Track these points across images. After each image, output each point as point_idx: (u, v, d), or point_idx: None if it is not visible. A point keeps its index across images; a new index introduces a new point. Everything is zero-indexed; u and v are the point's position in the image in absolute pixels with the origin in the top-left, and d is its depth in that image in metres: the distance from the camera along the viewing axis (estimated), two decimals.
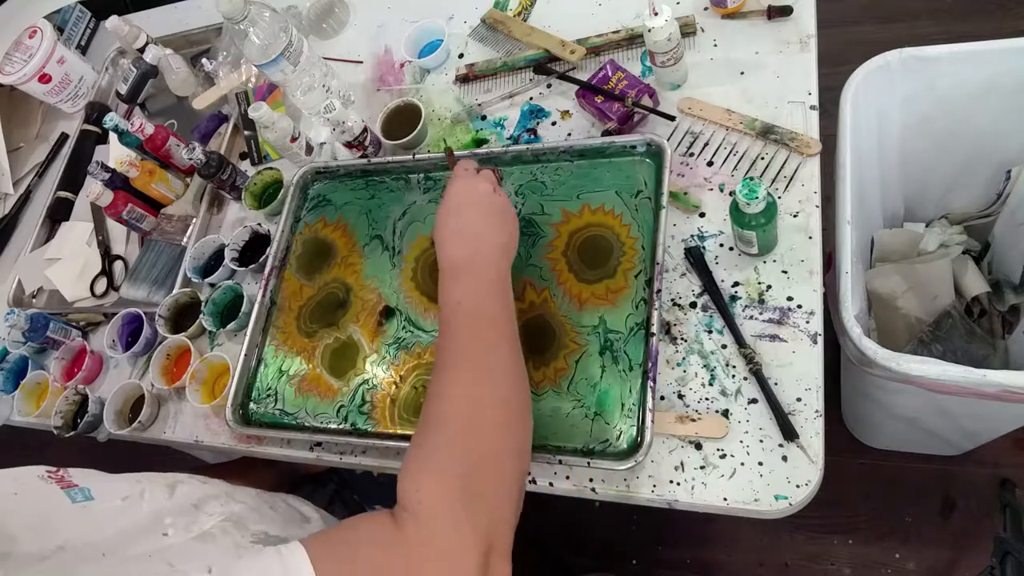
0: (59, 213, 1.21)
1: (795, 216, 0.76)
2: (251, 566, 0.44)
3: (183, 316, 0.98)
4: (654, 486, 0.69)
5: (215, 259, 1.01)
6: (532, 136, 0.93)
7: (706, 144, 0.84)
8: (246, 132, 1.11)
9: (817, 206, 0.76)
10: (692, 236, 0.79)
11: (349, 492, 0.99)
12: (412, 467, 0.55)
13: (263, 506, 0.67)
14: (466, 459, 0.54)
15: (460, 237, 0.67)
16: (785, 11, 0.86)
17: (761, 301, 0.73)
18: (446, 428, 0.56)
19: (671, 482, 0.68)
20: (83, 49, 1.46)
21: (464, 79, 1.02)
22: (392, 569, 0.47)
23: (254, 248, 0.99)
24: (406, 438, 0.77)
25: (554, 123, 0.93)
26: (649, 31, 0.79)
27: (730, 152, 0.82)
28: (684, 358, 0.73)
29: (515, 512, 0.56)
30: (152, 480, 0.59)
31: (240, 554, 0.46)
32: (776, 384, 0.69)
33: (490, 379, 0.59)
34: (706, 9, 0.91)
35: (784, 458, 0.66)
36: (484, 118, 0.98)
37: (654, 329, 0.70)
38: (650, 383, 0.68)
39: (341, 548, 0.48)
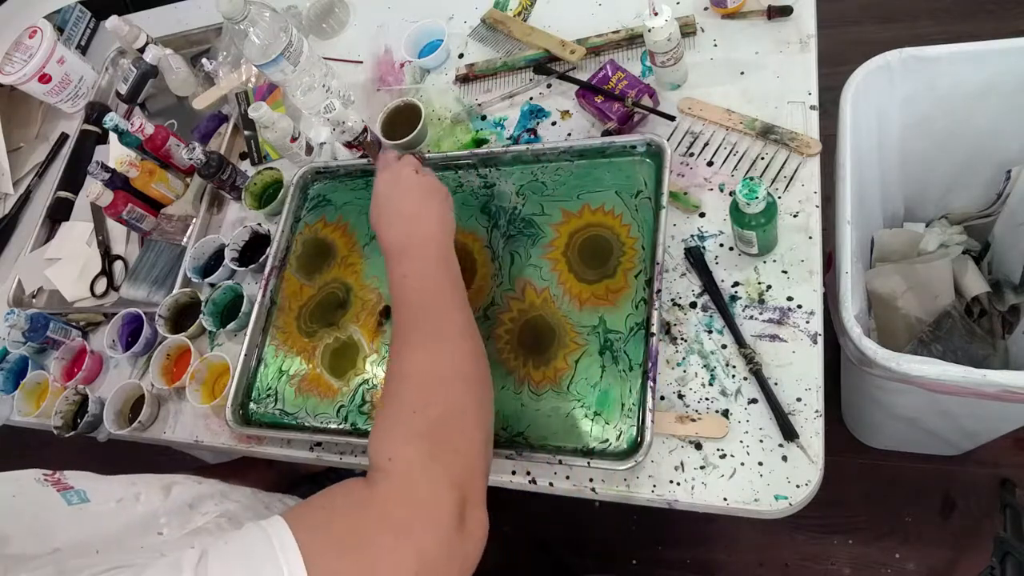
0: (59, 213, 1.21)
1: (795, 216, 0.76)
2: (233, 540, 0.45)
3: (183, 316, 0.98)
4: (654, 486, 0.69)
5: (215, 259, 1.01)
6: (532, 136, 0.93)
7: (706, 144, 0.84)
8: (246, 132, 1.11)
9: (817, 206, 0.76)
10: (692, 236, 0.79)
11: None
12: (379, 429, 0.55)
13: (258, 505, 0.67)
14: (430, 414, 0.55)
15: (393, 220, 0.69)
16: (785, 11, 0.86)
17: (761, 301, 0.73)
18: (408, 388, 0.57)
19: (671, 482, 0.68)
20: (83, 49, 1.46)
21: (464, 79, 1.02)
22: (368, 527, 0.47)
23: (254, 248, 0.99)
24: None
25: (554, 123, 0.93)
26: (649, 31, 0.80)
27: (730, 152, 0.82)
28: (684, 358, 0.73)
29: (485, 462, 0.56)
30: (147, 482, 0.60)
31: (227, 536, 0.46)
32: (776, 384, 0.69)
33: (444, 339, 0.61)
34: (706, 9, 0.91)
35: (784, 458, 0.66)
36: (484, 118, 0.98)
37: (654, 329, 0.70)
38: (650, 383, 0.68)
39: (319, 514, 0.49)
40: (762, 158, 0.81)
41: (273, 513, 0.67)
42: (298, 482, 1.01)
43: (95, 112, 1.27)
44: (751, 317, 0.73)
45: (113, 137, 1.15)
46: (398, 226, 0.68)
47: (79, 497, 0.53)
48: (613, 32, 0.94)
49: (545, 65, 0.95)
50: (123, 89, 1.24)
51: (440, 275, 0.65)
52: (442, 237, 0.69)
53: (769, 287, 0.74)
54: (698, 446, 0.69)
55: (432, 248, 0.67)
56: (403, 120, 0.98)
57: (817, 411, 0.67)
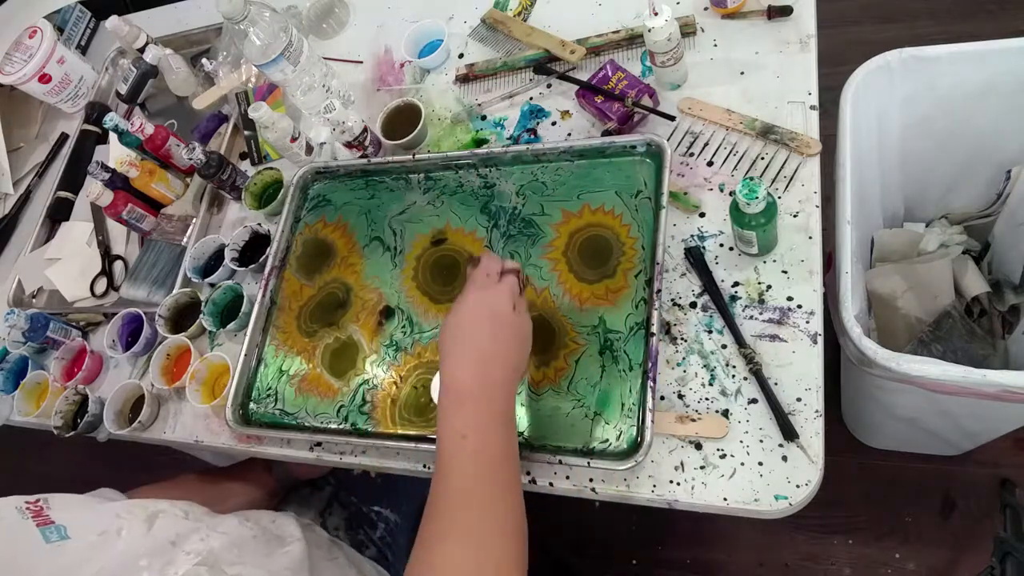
0: (59, 213, 1.21)
1: (795, 216, 0.76)
2: None
3: (183, 316, 0.98)
4: (654, 486, 0.69)
5: (215, 259, 1.01)
6: (532, 136, 0.93)
7: (706, 144, 0.84)
8: (246, 132, 1.11)
9: (817, 206, 0.76)
10: (692, 236, 0.79)
11: (347, 494, 0.99)
12: None
13: (245, 536, 0.65)
14: None
15: (470, 355, 0.60)
16: (785, 11, 0.86)
17: (761, 301, 0.73)
18: None
19: (671, 482, 0.68)
20: (83, 49, 1.46)
21: (464, 79, 1.02)
22: None
23: (254, 248, 0.99)
24: (407, 438, 0.77)
25: (554, 123, 0.93)
26: (649, 31, 0.80)
27: (730, 152, 0.82)
28: (684, 358, 0.73)
29: None
30: (132, 512, 0.58)
31: None
32: (776, 384, 0.69)
33: (491, 542, 0.53)
34: (706, 9, 0.91)
35: (784, 458, 0.66)
36: (484, 118, 0.98)
37: (654, 329, 0.70)
38: (650, 383, 0.68)
39: None
40: (762, 158, 0.81)
41: (259, 545, 0.62)
42: (297, 486, 1.01)
43: (95, 112, 1.27)
44: (751, 317, 0.73)
45: (113, 137, 1.15)
46: (472, 367, 0.59)
47: (59, 534, 0.51)
48: (613, 32, 0.94)
49: (545, 65, 0.95)
50: (123, 89, 1.24)
51: (504, 442, 0.57)
52: (513, 386, 0.61)
53: (769, 287, 0.74)
54: (698, 446, 0.69)
55: (502, 403, 0.59)
56: (403, 120, 0.98)
57: (817, 411, 0.67)
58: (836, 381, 1.22)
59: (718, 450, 0.68)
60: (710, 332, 0.74)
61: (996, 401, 0.75)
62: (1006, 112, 0.94)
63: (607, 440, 0.70)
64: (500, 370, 0.60)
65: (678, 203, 0.81)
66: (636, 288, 0.75)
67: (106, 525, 0.55)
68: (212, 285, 0.97)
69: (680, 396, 0.72)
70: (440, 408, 0.59)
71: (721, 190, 0.81)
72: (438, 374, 0.78)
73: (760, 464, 0.66)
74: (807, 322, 0.71)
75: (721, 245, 0.78)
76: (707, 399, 0.71)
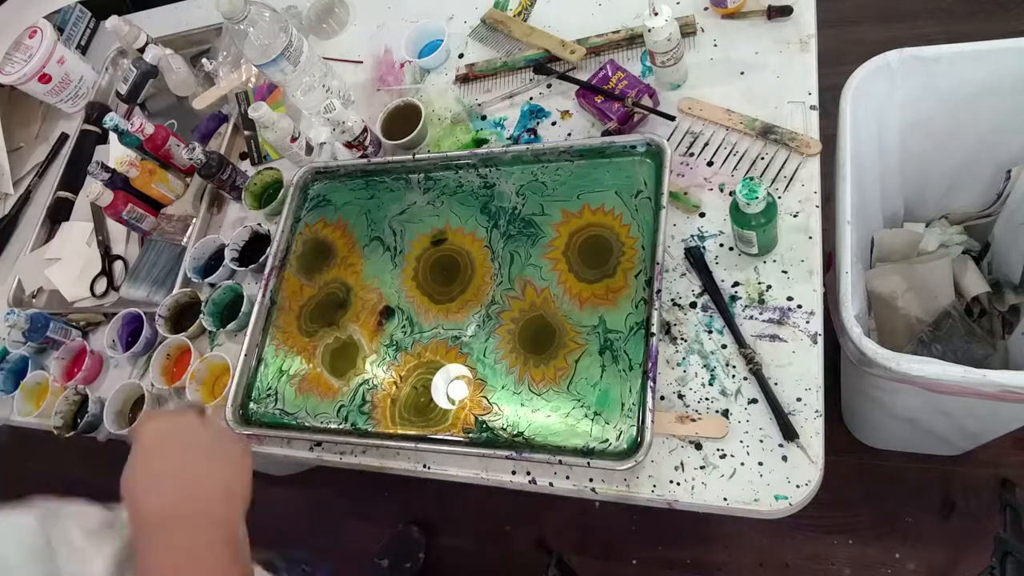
0: (59, 213, 1.21)
1: (795, 216, 0.76)
2: None
3: (183, 316, 0.98)
4: (654, 486, 0.69)
5: (215, 259, 1.01)
6: (532, 136, 0.93)
7: (706, 144, 0.84)
8: (246, 132, 1.11)
9: (817, 206, 0.76)
10: (692, 236, 0.79)
11: None
12: None
13: None
14: None
15: (159, 481, 0.50)
16: (785, 11, 0.86)
17: (761, 301, 0.73)
18: None
19: (671, 482, 0.68)
20: (83, 49, 1.46)
21: (464, 79, 1.02)
22: None
23: (254, 248, 0.99)
24: (407, 438, 0.77)
25: (554, 123, 0.93)
26: (649, 31, 0.80)
27: (730, 152, 0.82)
28: (684, 358, 0.73)
29: None
30: None
31: None
32: (776, 384, 0.69)
33: None
34: (706, 9, 0.91)
35: (784, 458, 0.66)
36: (484, 118, 0.98)
37: (654, 329, 0.70)
38: (650, 383, 0.68)
39: None
40: (762, 158, 0.81)
41: None
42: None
43: (95, 112, 1.27)
44: (751, 317, 0.73)
45: (113, 137, 1.15)
46: (162, 488, 0.49)
47: None
48: (613, 32, 0.94)
49: (545, 65, 0.95)
50: (123, 89, 1.24)
51: (218, 564, 0.45)
52: (232, 514, 0.49)
53: (769, 287, 0.74)
54: (698, 446, 0.69)
55: (212, 530, 0.47)
56: (403, 120, 0.98)
57: (817, 411, 0.67)
58: (836, 381, 1.22)
59: (718, 450, 0.68)
60: (710, 332, 0.74)
61: (996, 401, 0.75)
62: (1006, 112, 0.94)
63: (607, 440, 0.70)
64: (205, 490, 0.50)
65: (678, 203, 0.81)
66: (636, 288, 0.75)
67: None
68: (212, 285, 0.97)
69: (680, 396, 0.72)
70: (139, 547, 0.47)
71: (721, 190, 0.81)
72: (438, 374, 0.79)
73: (760, 464, 0.66)
74: (807, 322, 0.71)
75: (721, 245, 0.78)
76: (707, 399, 0.71)
